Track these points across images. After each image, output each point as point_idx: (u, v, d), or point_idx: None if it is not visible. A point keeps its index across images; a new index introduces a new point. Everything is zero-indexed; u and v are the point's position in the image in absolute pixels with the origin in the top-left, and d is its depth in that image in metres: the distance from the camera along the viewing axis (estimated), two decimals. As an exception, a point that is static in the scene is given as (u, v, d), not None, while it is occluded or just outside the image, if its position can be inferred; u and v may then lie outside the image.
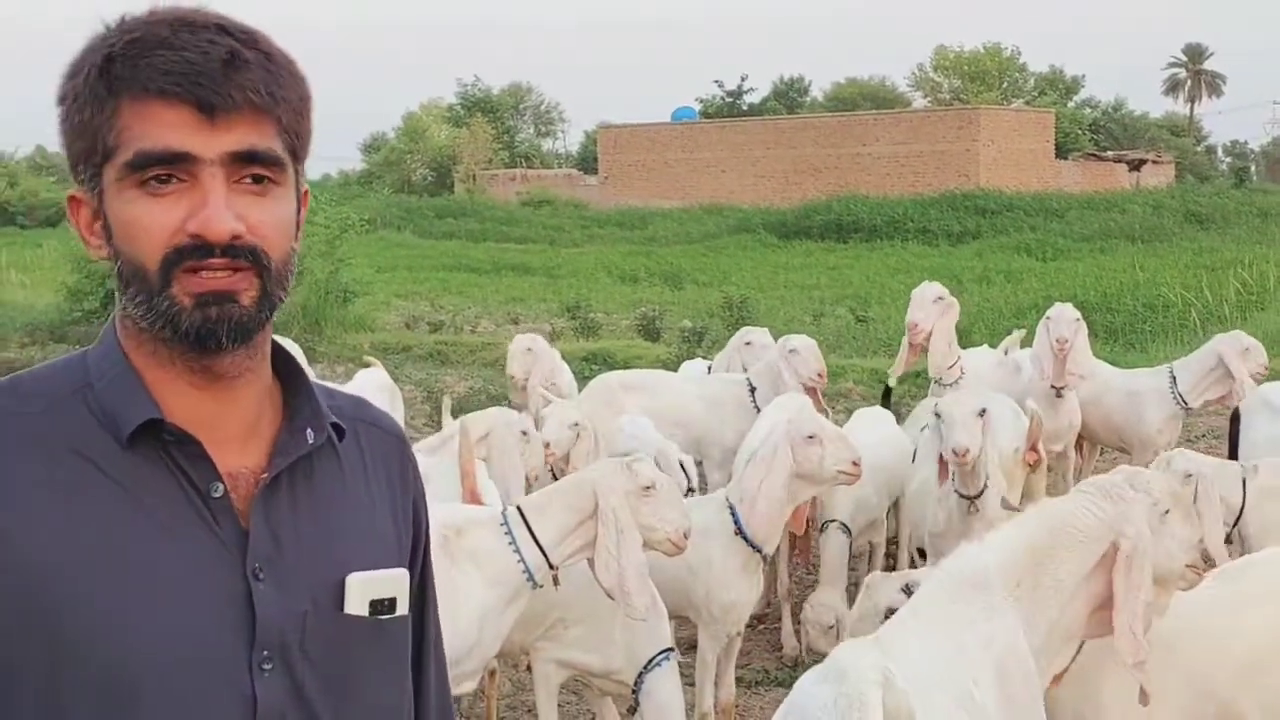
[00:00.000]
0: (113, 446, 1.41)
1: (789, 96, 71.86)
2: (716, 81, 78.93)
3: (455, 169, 59.44)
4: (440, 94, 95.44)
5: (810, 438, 5.40)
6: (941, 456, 5.92)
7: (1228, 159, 79.04)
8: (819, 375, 7.99)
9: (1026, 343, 9.04)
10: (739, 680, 6.08)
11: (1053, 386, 7.93)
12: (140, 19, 1.41)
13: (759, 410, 7.60)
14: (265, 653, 1.42)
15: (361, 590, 1.51)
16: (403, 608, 1.56)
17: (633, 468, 4.64)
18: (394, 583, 1.55)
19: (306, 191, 1.54)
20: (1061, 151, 51.14)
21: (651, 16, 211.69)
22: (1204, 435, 10.60)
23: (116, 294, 1.46)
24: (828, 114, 56.49)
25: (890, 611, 4.39)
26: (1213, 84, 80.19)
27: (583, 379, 10.97)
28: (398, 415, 7.82)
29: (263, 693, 1.42)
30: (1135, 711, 3.57)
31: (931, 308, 7.97)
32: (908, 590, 4.48)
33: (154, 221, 1.39)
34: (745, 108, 67.19)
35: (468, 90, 70.46)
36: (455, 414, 9.69)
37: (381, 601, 1.52)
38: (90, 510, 1.39)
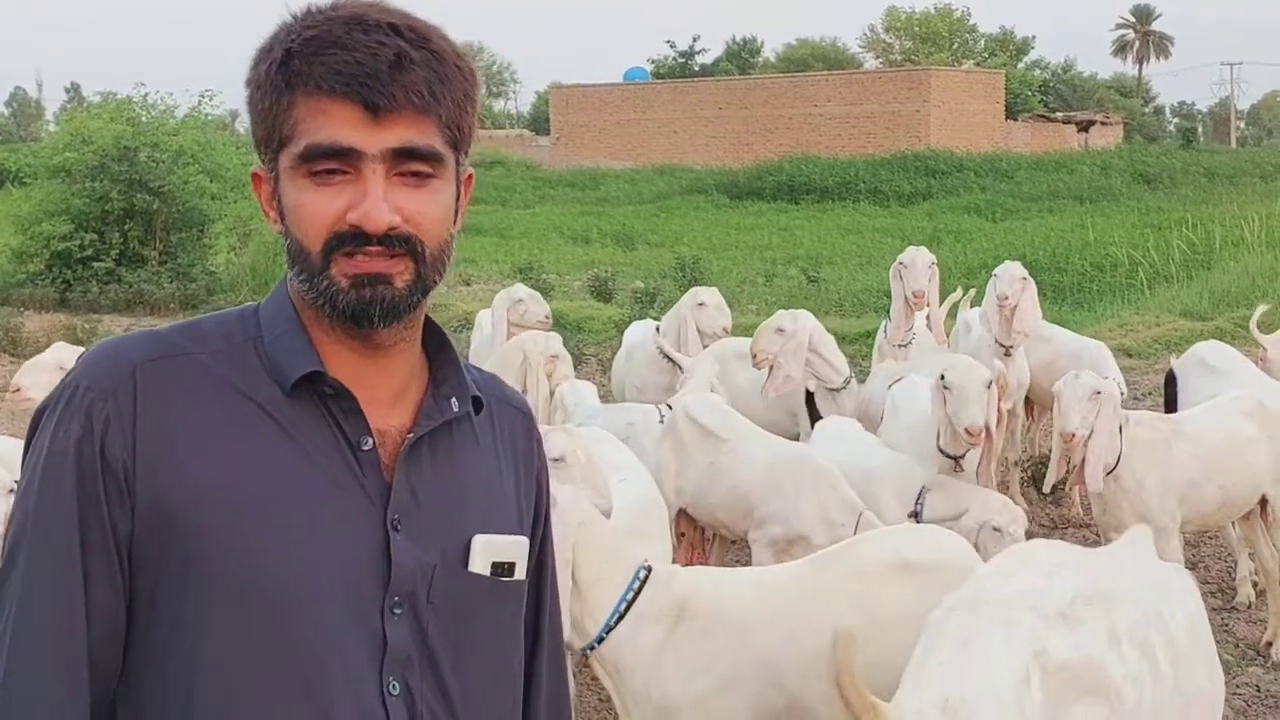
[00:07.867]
0: (277, 394, 1.54)
1: (741, 57, 71.66)
2: (669, 42, 78.97)
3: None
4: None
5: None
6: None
7: (1175, 120, 79.93)
8: (724, 329, 8.30)
9: (976, 302, 9.09)
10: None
11: (1000, 344, 7.99)
12: (320, 15, 1.52)
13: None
14: (396, 598, 1.55)
15: (485, 551, 1.63)
16: (520, 573, 1.68)
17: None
18: (515, 548, 1.67)
19: (470, 176, 1.64)
20: (1011, 113, 51.34)
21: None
22: (1150, 393, 10.71)
23: (286, 263, 1.58)
24: (779, 74, 56.36)
25: None
26: (1160, 45, 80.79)
27: (534, 340, 10.90)
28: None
29: (392, 634, 1.54)
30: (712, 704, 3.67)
31: (926, 273, 7.94)
32: None
33: (318, 209, 1.51)
34: (697, 68, 66.98)
35: (418, 50, 69.76)
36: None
37: (502, 564, 1.64)
38: (255, 446, 1.52)
